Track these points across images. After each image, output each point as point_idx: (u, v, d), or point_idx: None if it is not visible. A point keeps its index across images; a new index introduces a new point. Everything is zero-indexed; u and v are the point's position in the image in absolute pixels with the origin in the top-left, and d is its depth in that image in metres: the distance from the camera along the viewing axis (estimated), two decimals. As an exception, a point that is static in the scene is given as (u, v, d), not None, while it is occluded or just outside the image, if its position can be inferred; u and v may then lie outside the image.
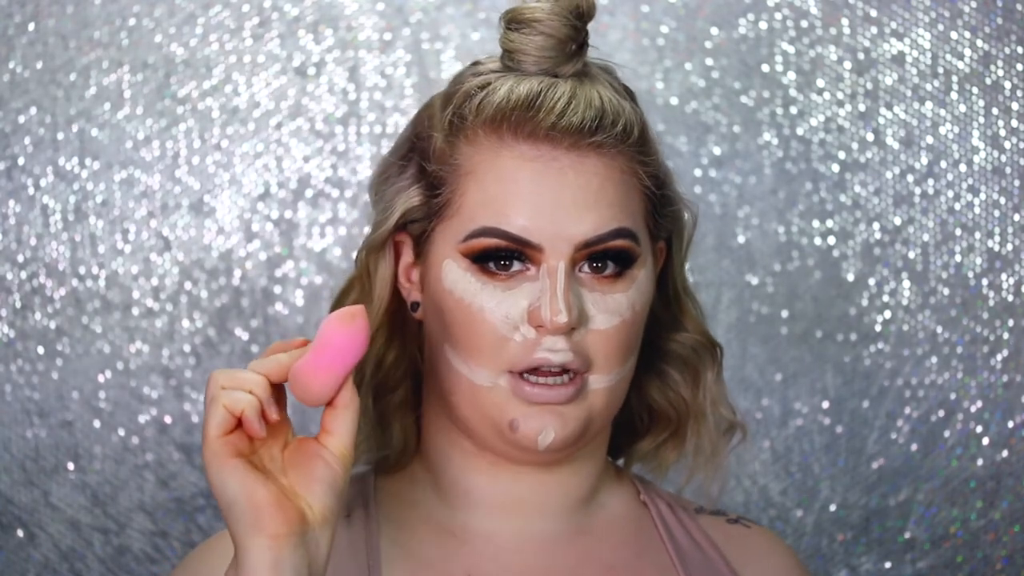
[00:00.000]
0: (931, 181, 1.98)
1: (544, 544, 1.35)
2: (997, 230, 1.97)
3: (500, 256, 1.28)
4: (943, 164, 1.98)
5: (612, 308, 1.29)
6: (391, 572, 1.31)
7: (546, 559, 1.34)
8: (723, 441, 1.42)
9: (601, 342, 1.29)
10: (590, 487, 1.37)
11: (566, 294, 1.26)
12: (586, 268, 1.29)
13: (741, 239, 1.99)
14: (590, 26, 1.33)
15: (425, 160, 1.32)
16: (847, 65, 1.99)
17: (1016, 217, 1.97)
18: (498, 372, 1.28)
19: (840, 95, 1.99)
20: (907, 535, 1.97)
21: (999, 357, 1.97)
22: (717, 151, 1.99)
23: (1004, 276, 1.97)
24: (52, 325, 1.92)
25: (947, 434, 1.97)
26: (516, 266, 1.28)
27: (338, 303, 1.42)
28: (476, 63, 1.35)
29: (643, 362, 1.39)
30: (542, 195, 1.27)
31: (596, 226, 1.28)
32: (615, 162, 1.30)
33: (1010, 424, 1.96)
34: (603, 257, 1.29)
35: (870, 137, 1.99)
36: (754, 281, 1.99)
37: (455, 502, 1.35)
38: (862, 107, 1.99)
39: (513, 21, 1.31)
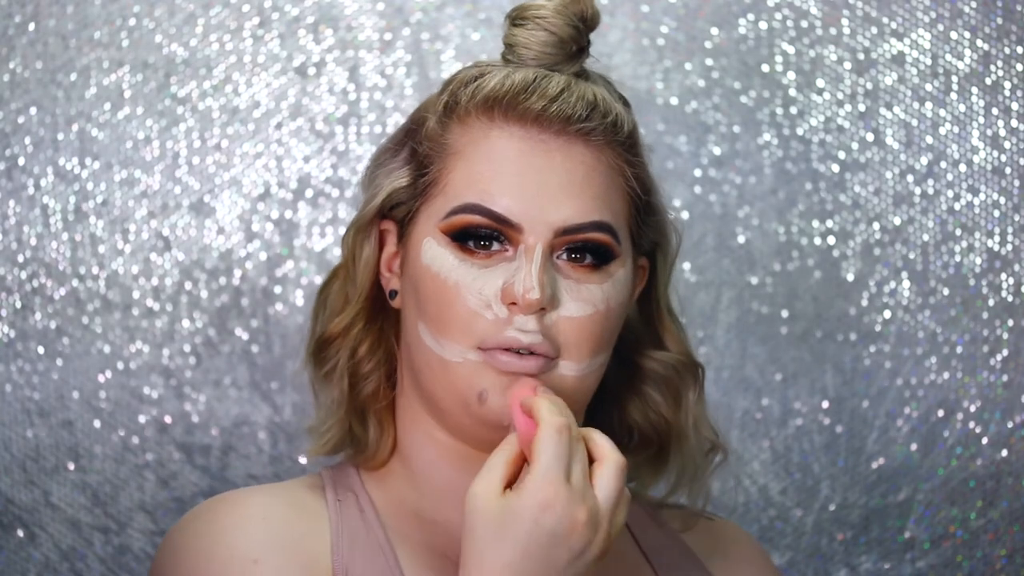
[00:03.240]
0: (931, 181, 1.98)
1: None
2: (997, 230, 1.97)
3: (480, 235, 1.29)
4: (943, 164, 1.98)
5: (585, 297, 1.30)
6: (399, 549, 1.32)
7: None
8: (705, 462, 1.42)
9: (571, 330, 1.29)
10: None
11: (540, 273, 1.27)
12: (564, 256, 1.30)
13: (741, 239, 1.99)
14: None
15: (417, 143, 1.34)
16: (847, 65, 1.99)
17: (1016, 217, 1.97)
18: (468, 348, 1.29)
19: (840, 95, 1.99)
20: (907, 535, 1.97)
21: (999, 357, 1.97)
22: (717, 151, 2.00)
23: (1004, 276, 1.97)
24: (52, 325, 1.92)
25: (947, 434, 1.97)
26: (495, 246, 1.29)
27: (323, 291, 1.43)
28: (475, 62, 1.37)
29: (624, 382, 1.40)
30: (528, 176, 1.29)
31: (578, 214, 1.29)
32: (603, 155, 1.31)
33: (1010, 424, 1.96)
34: (582, 248, 1.30)
35: (870, 137, 1.99)
36: (754, 281, 1.99)
37: (431, 496, 1.36)
38: (862, 107, 1.99)
39: (518, 17, 1.34)
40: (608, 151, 1.32)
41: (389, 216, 1.36)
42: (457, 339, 1.29)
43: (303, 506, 1.34)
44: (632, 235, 1.35)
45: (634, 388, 1.42)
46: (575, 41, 1.33)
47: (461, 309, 1.28)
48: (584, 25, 1.33)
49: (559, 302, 1.29)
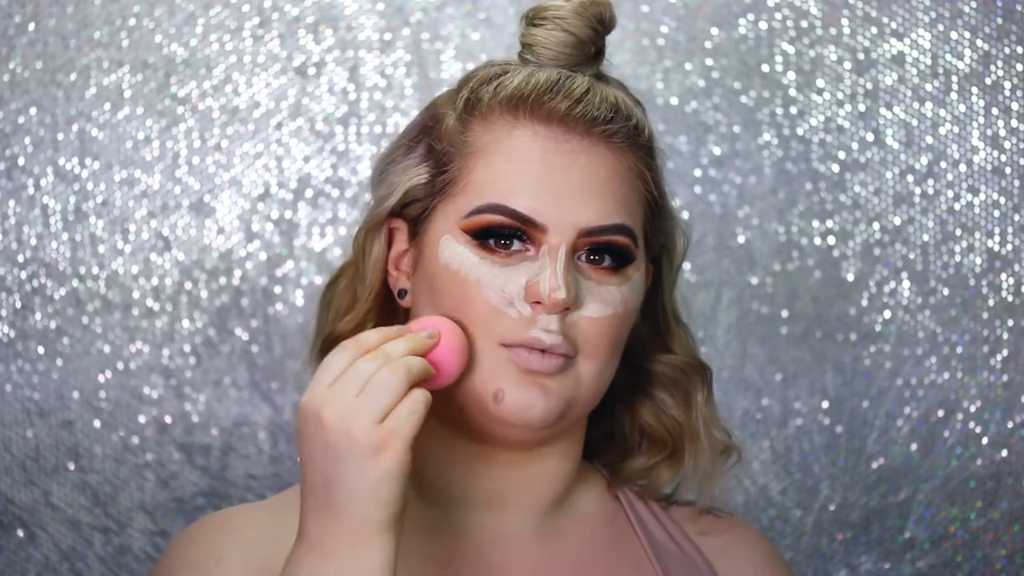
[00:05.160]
0: (931, 181, 1.99)
1: (520, 540, 1.36)
2: (997, 230, 1.97)
3: (502, 234, 1.28)
4: (943, 164, 1.98)
5: (606, 298, 1.30)
6: None
7: (522, 555, 1.35)
8: (719, 462, 1.42)
9: (592, 330, 1.29)
10: (563, 488, 1.38)
11: (565, 273, 1.27)
12: (583, 258, 1.30)
13: (741, 239, 1.99)
14: None
15: (435, 140, 1.33)
16: (847, 65, 1.99)
17: (1016, 217, 1.97)
18: (490, 344, 1.28)
19: (840, 95, 1.99)
20: (907, 535, 1.97)
21: (999, 357, 1.97)
22: (717, 151, 2.00)
23: (1004, 276, 1.97)
24: (52, 325, 1.92)
25: (947, 434, 1.97)
26: (516, 245, 1.29)
27: (328, 290, 1.43)
28: (490, 61, 1.37)
29: (633, 385, 1.40)
30: (551, 176, 1.28)
31: (601, 215, 1.29)
32: (624, 157, 1.31)
33: (1010, 424, 1.96)
34: (602, 250, 1.30)
35: (870, 137, 1.99)
36: (754, 281, 1.99)
37: (433, 497, 1.35)
38: (862, 107, 1.99)
39: (536, 17, 1.34)
40: (629, 154, 1.32)
41: (400, 214, 1.35)
42: (479, 335, 1.28)
43: (288, 515, 1.34)
44: (646, 239, 1.35)
45: (644, 391, 1.42)
46: (593, 43, 1.33)
47: (483, 306, 1.28)
48: (602, 27, 1.33)
49: (581, 302, 1.29)
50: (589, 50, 1.33)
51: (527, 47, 1.34)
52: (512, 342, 1.27)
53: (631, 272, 1.32)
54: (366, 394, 1.20)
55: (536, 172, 1.28)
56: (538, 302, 1.27)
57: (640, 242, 1.33)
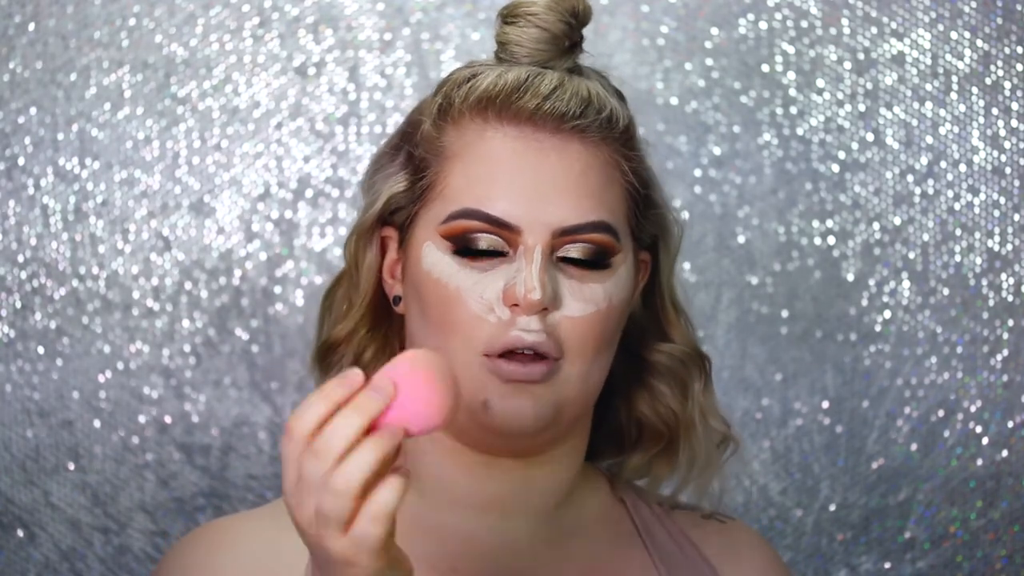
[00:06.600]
0: (931, 181, 1.99)
1: (524, 544, 1.35)
2: (997, 230, 1.97)
3: (478, 240, 1.28)
4: (943, 164, 1.98)
5: (588, 296, 1.29)
6: None
7: (526, 559, 1.35)
8: (716, 453, 1.41)
9: (574, 329, 1.29)
10: (565, 491, 1.37)
11: (541, 273, 1.26)
12: (563, 256, 1.30)
13: (741, 239, 1.99)
14: (590, 29, 1.34)
15: (413, 146, 1.33)
16: (847, 65, 1.99)
17: (1016, 217, 1.97)
18: (473, 354, 1.28)
19: (840, 95, 1.99)
20: (907, 535, 1.97)
21: (999, 357, 1.97)
22: (717, 151, 2.00)
23: (1004, 276, 1.97)
24: (52, 325, 1.92)
25: (947, 434, 1.97)
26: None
27: (328, 295, 1.43)
28: (470, 62, 1.37)
29: (631, 375, 1.40)
30: (523, 176, 1.28)
31: (575, 214, 1.28)
32: (599, 151, 1.30)
33: (1010, 424, 1.97)
34: (581, 248, 1.30)
35: (870, 137, 1.99)
36: (754, 281, 1.99)
37: (434, 502, 1.35)
38: (862, 107, 1.99)
39: (509, 15, 1.33)
40: (604, 147, 1.31)
41: (390, 222, 1.36)
42: (462, 345, 1.28)
43: (285, 525, 1.34)
44: (632, 230, 1.34)
45: (641, 382, 1.41)
46: (567, 37, 1.32)
47: (464, 314, 1.27)
48: (576, 20, 1.32)
49: (561, 302, 1.28)
50: (563, 44, 1.32)
51: (502, 46, 1.33)
52: (494, 349, 1.27)
53: (615, 266, 1.31)
54: (320, 513, 1.09)
55: (508, 174, 1.28)
56: (516, 304, 1.27)
57: (623, 235, 1.32)
